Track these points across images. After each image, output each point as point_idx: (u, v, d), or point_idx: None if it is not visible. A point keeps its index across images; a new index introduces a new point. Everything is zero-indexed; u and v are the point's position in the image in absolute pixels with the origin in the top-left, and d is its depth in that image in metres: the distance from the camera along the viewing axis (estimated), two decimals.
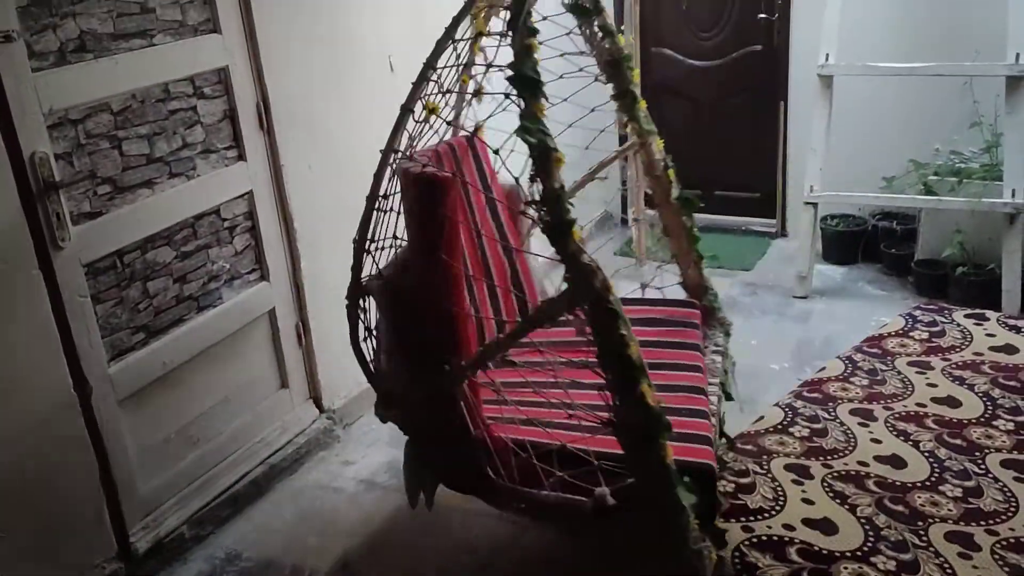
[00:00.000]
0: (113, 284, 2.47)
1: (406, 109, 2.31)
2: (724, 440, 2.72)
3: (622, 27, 4.43)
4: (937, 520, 2.46)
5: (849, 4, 4.03)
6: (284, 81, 2.91)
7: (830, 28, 4.00)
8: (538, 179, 1.78)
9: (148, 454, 2.61)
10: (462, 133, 2.71)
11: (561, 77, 2.47)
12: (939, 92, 4.11)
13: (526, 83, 1.83)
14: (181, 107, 2.61)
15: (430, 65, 2.29)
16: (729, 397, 2.89)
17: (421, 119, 2.31)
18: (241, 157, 2.83)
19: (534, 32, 1.93)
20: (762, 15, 4.57)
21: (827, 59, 3.99)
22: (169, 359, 2.64)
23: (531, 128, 1.79)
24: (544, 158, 1.78)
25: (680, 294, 2.99)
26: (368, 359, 2.44)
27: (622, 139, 4.35)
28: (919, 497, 2.57)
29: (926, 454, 2.79)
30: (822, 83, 4.04)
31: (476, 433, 2.12)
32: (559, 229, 1.77)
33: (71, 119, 2.30)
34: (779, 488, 2.68)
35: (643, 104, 2.74)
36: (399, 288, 2.18)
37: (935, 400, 3.09)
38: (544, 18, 2.52)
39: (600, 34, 2.53)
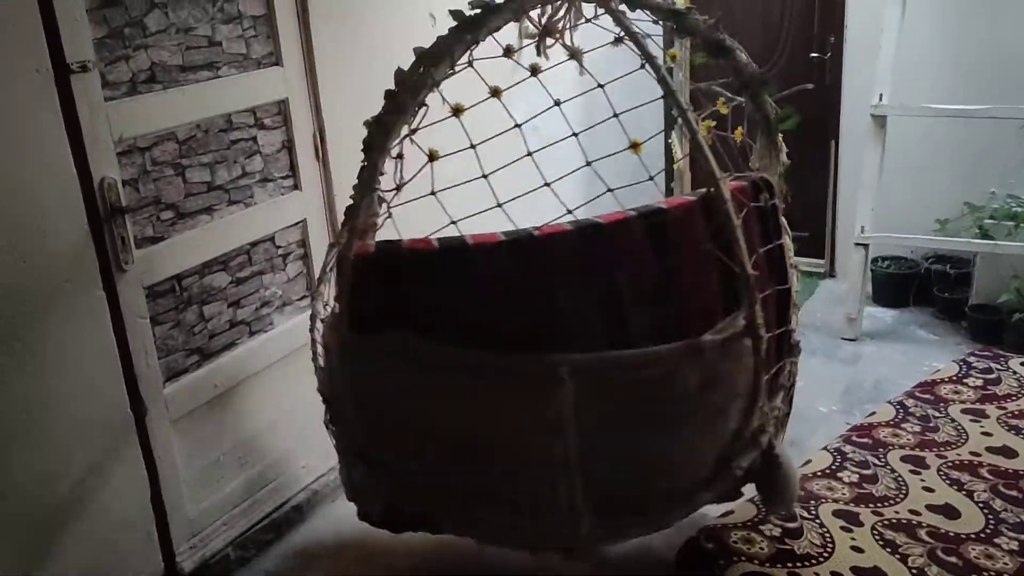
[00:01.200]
0: (171, 307, 2.53)
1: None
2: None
3: (672, 64, 4.47)
4: (992, 573, 2.39)
5: (904, 44, 4.01)
6: (340, 113, 2.97)
7: (884, 68, 3.97)
8: None
9: (197, 475, 2.66)
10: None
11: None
12: (995, 134, 4.06)
13: None
14: (242, 137, 2.68)
15: None
16: None
17: None
18: (297, 186, 2.89)
19: None
20: (814, 54, 4.56)
21: (881, 99, 3.96)
22: (221, 382, 2.69)
23: None
24: None
25: None
26: None
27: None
28: (973, 549, 2.50)
29: (980, 505, 2.72)
30: (875, 123, 4.01)
31: None
32: None
33: (139, 147, 2.39)
34: (827, 535, 2.62)
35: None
36: None
37: (990, 449, 3.02)
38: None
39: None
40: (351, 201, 2.87)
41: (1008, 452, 2.99)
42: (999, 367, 3.58)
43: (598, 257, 2.10)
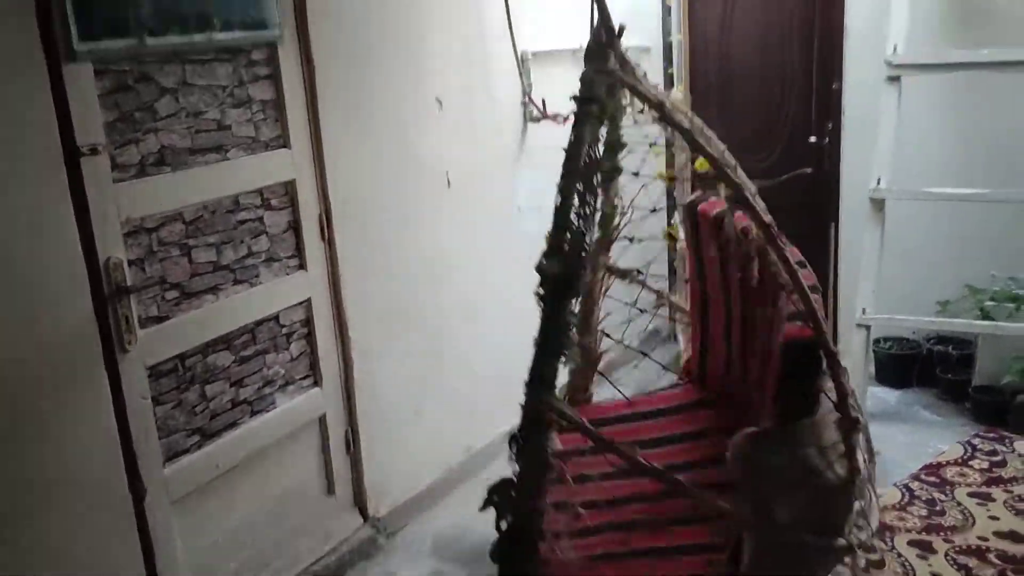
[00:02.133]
0: (173, 387, 2.53)
1: None
2: None
3: (673, 147, 4.56)
4: None
5: (901, 129, 4.08)
6: (346, 194, 3.02)
7: (882, 153, 4.04)
8: None
9: (196, 558, 2.61)
10: None
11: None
12: (993, 217, 4.10)
13: None
14: (249, 217, 2.72)
15: None
16: None
17: None
18: (302, 266, 2.92)
19: None
20: (813, 139, 4.65)
21: (879, 183, 4.02)
22: (221, 462, 2.67)
23: None
24: None
25: None
26: None
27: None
28: None
29: None
30: (874, 206, 4.06)
31: None
32: None
33: (146, 227, 2.42)
34: None
35: None
36: None
37: (997, 534, 2.98)
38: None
39: None
40: (356, 279, 2.91)
41: (1016, 537, 2.95)
42: (1004, 449, 3.56)
43: None
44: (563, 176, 1.87)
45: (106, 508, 2.34)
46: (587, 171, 1.89)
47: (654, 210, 3.11)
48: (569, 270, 1.78)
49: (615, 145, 2.63)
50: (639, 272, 2.89)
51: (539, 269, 1.78)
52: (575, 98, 1.95)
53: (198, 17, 2.43)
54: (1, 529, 2.11)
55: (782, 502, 1.93)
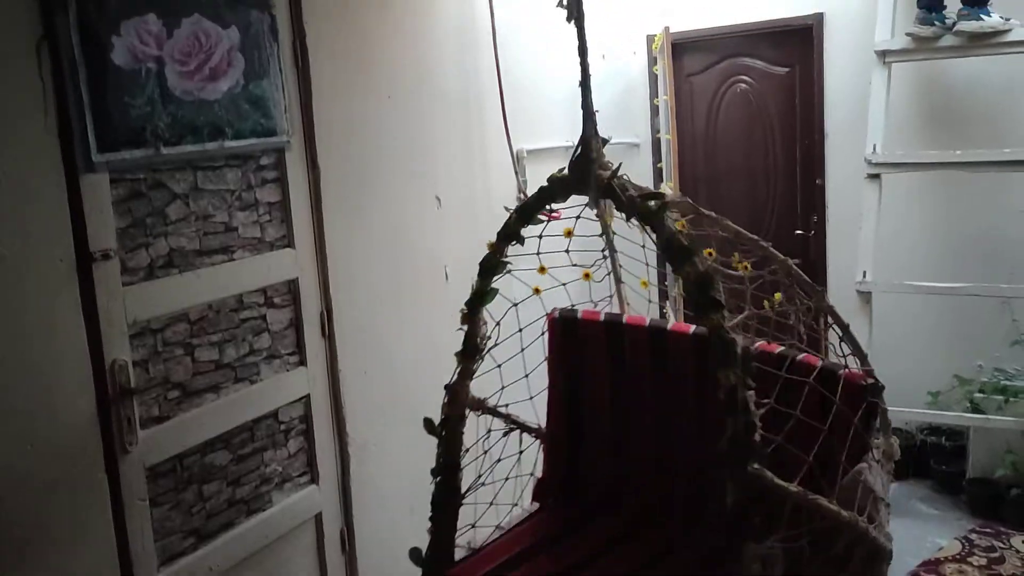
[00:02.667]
0: (171, 488, 2.52)
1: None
2: None
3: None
4: None
5: (885, 223, 4.20)
6: (347, 291, 3.07)
7: (866, 246, 4.15)
8: None
9: None
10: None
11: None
12: (979, 309, 4.18)
13: None
14: (252, 315, 2.76)
15: None
16: None
17: None
18: (302, 362, 2.94)
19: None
20: (799, 231, 4.76)
21: (864, 276, 4.11)
22: (216, 564, 2.63)
23: None
24: None
25: None
26: None
27: None
28: None
29: None
30: (861, 299, 4.15)
31: None
32: None
33: (152, 328, 2.45)
34: None
35: None
36: None
37: None
38: None
39: None
40: (355, 376, 2.96)
41: None
42: (1002, 545, 3.56)
43: None
44: None
45: None
46: None
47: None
48: None
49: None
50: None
51: None
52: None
53: (212, 127, 2.51)
54: None
55: None
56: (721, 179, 5.02)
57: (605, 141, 2.32)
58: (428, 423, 2.57)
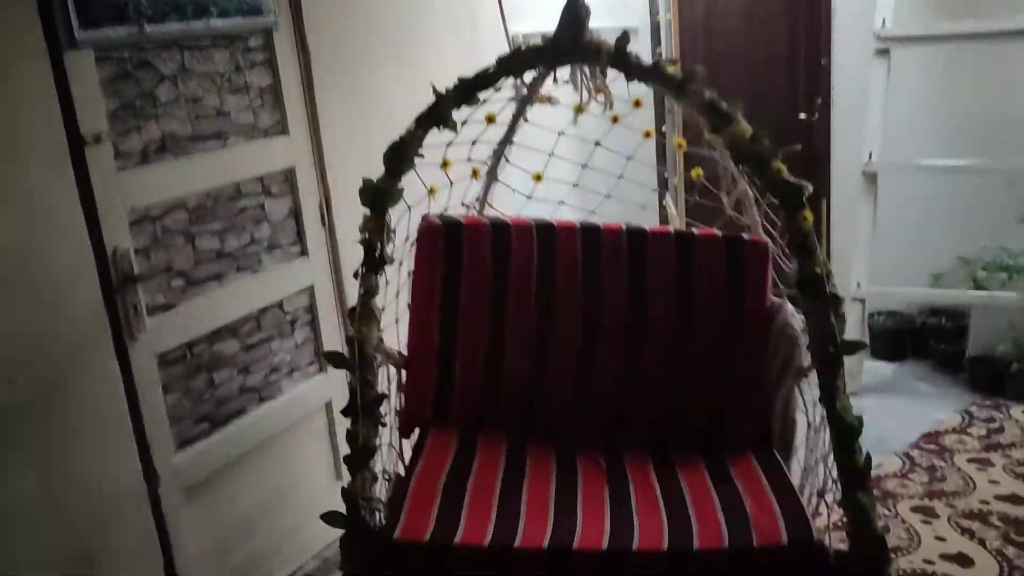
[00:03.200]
0: (182, 375, 2.54)
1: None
2: None
3: (663, 127, 4.58)
4: None
5: (891, 103, 4.12)
6: (344, 180, 3.02)
7: (873, 127, 4.08)
8: None
9: (208, 545, 2.62)
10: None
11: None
12: (984, 189, 4.15)
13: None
14: (250, 205, 2.73)
15: None
16: None
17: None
18: (304, 252, 2.93)
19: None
20: (803, 115, 4.68)
21: (871, 157, 4.06)
22: (230, 450, 2.68)
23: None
24: None
25: None
26: None
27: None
28: None
29: (993, 552, 2.72)
30: (866, 180, 4.10)
31: None
32: None
33: (150, 216, 2.42)
34: None
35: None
36: None
37: (998, 498, 3.03)
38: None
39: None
40: (356, 265, 2.91)
41: (1016, 500, 3.00)
42: (1001, 416, 3.61)
43: None
44: None
45: (121, 496, 2.34)
46: None
47: None
48: None
49: None
50: None
51: None
52: None
53: (195, 4, 2.42)
54: (20, 522, 2.11)
55: None
56: (721, 63, 4.90)
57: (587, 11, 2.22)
58: (332, 355, 2.21)
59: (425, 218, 2.51)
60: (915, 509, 3.01)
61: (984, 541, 2.79)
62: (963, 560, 2.70)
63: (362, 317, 2.11)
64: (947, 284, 4.21)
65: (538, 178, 2.76)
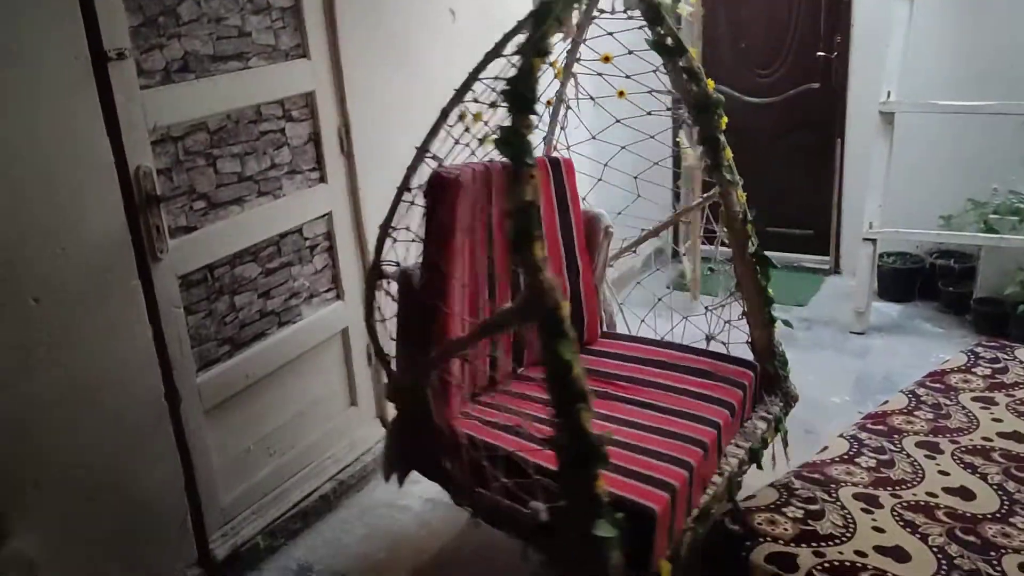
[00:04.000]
0: (203, 297, 2.56)
1: (444, 112, 2.38)
2: (730, 504, 2.61)
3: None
4: (1010, 551, 2.44)
5: (912, 42, 4.08)
6: (363, 107, 3.01)
7: (892, 65, 4.04)
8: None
9: (228, 464, 2.68)
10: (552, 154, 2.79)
11: (649, 113, 2.57)
12: (996, 131, 4.13)
13: (519, 101, 1.87)
14: (271, 129, 2.71)
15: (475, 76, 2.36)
16: (757, 464, 2.84)
17: (459, 127, 2.40)
18: (323, 179, 2.92)
19: (544, 53, 1.95)
20: (821, 53, 4.63)
21: (889, 96, 4.03)
22: (251, 372, 2.72)
23: (511, 141, 1.81)
24: (518, 172, 1.79)
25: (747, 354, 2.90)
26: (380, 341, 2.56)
27: (675, 175, 4.42)
28: (990, 528, 2.56)
29: (995, 487, 2.78)
30: (883, 120, 4.08)
31: (437, 421, 2.24)
32: (522, 240, 1.76)
33: (172, 136, 2.41)
34: (848, 516, 2.67)
35: (728, 153, 2.70)
36: (410, 278, 2.40)
37: (1001, 435, 3.08)
38: (630, 52, 2.62)
39: (686, 76, 2.54)
40: (375, 194, 2.92)
41: (1019, 437, 3.04)
42: (1006, 357, 3.65)
43: None
44: None
45: (143, 414, 2.38)
46: None
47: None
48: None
49: None
50: None
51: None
52: None
53: None
54: (46, 434, 2.15)
55: None
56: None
57: None
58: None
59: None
60: (920, 445, 3.06)
61: (985, 476, 2.84)
62: (965, 493, 2.76)
63: None
64: (957, 226, 4.22)
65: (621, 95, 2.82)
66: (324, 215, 2.95)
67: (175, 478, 2.49)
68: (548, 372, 1.79)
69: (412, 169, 2.42)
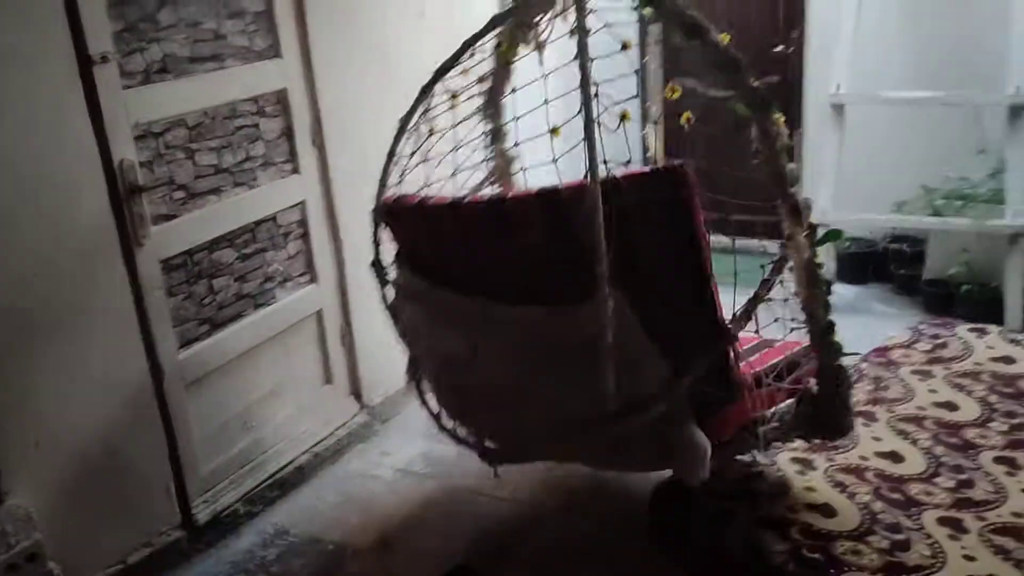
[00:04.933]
0: (183, 280, 2.76)
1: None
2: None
3: (645, 59, 4.73)
4: (931, 507, 2.66)
5: (862, 37, 4.28)
6: (334, 101, 3.21)
7: (841, 59, 4.24)
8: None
9: (208, 436, 2.88)
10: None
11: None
12: (949, 120, 4.32)
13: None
14: (246, 124, 2.92)
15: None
16: None
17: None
18: (296, 170, 3.12)
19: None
20: (779, 48, 4.83)
21: (838, 88, 4.23)
22: (229, 350, 2.92)
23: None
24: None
25: None
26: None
27: None
28: (915, 487, 2.77)
29: (923, 451, 3.00)
30: (834, 111, 4.28)
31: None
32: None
33: (153, 132, 2.62)
34: (783, 478, 2.89)
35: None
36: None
37: (935, 404, 3.30)
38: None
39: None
40: (346, 184, 3.12)
41: (951, 406, 3.26)
42: (947, 333, 3.86)
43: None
44: None
45: (129, 388, 2.59)
46: None
47: None
48: None
49: None
50: None
51: None
52: None
53: None
54: (44, 400, 2.36)
55: None
56: None
57: None
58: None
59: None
60: (857, 414, 3.28)
61: (916, 441, 3.06)
62: (895, 456, 2.98)
63: None
64: (910, 212, 4.42)
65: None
66: (298, 203, 3.15)
67: (159, 447, 2.69)
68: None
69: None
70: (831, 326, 2.41)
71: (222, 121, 2.83)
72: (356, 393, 3.50)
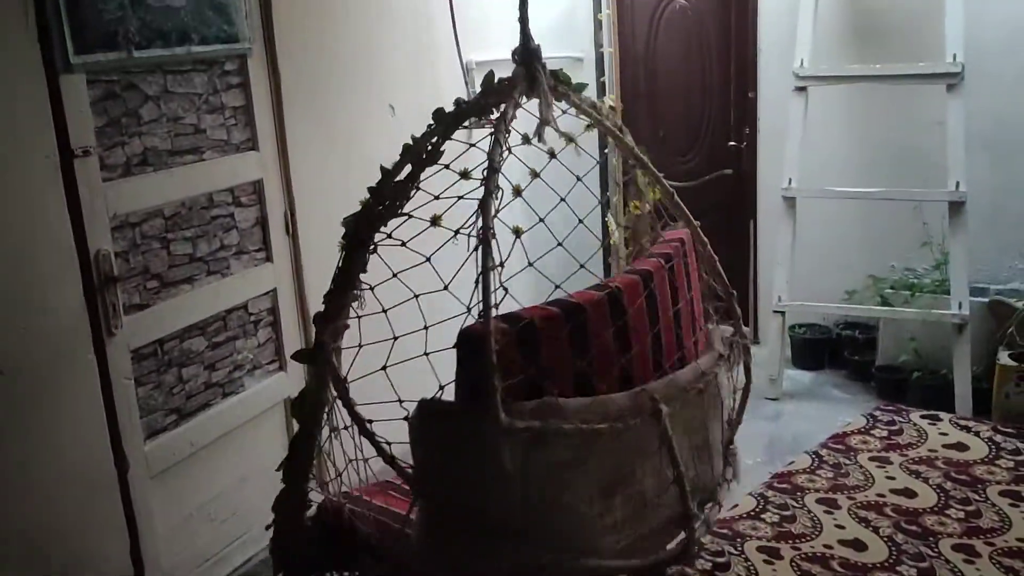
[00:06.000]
0: (153, 369, 2.75)
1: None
2: None
3: (606, 150, 4.91)
4: None
5: (812, 134, 4.51)
6: (308, 192, 3.28)
7: (791, 155, 4.46)
8: None
9: (172, 529, 2.83)
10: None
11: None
12: (894, 214, 4.55)
13: None
14: (221, 213, 2.96)
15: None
16: None
17: None
18: (269, 258, 3.16)
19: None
20: (732, 143, 5.06)
21: (790, 183, 4.43)
22: (195, 440, 2.89)
23: None
24: None
25: None
26: None
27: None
28: None
29: (885, 539, 3.06)
30: (786, 204, 4.48)
31: None
32: None
33: (130, 222, 2.64)
34: (752, 568, 2.92)
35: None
36: None
37: (893, 491, 3.38)
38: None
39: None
40: (317, 271, 3.15)
41: (909, 493, 3.36)
42: (902, 420, 3.99)
43: None
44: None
45: (93, 480, 2.54)
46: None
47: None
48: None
49: None
50: None
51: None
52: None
53: (179, 32, 2.66)
54: (11, 496, 2.31)
55: None
56: (660, 94, 5.25)
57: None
58: (303, 353, 2.37)
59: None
60: (820, 501, 3.35)
61: (878, 529, 3.13)
62: (858, 545, 3.04)
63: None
64: (859, 300, 4.60)
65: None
66: (269, 291, 3.17)
67: (121, 542, 2.63)
68: None
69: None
70: None
71: (199, 211, 2.87)
72: (323, 483, 3.46)
